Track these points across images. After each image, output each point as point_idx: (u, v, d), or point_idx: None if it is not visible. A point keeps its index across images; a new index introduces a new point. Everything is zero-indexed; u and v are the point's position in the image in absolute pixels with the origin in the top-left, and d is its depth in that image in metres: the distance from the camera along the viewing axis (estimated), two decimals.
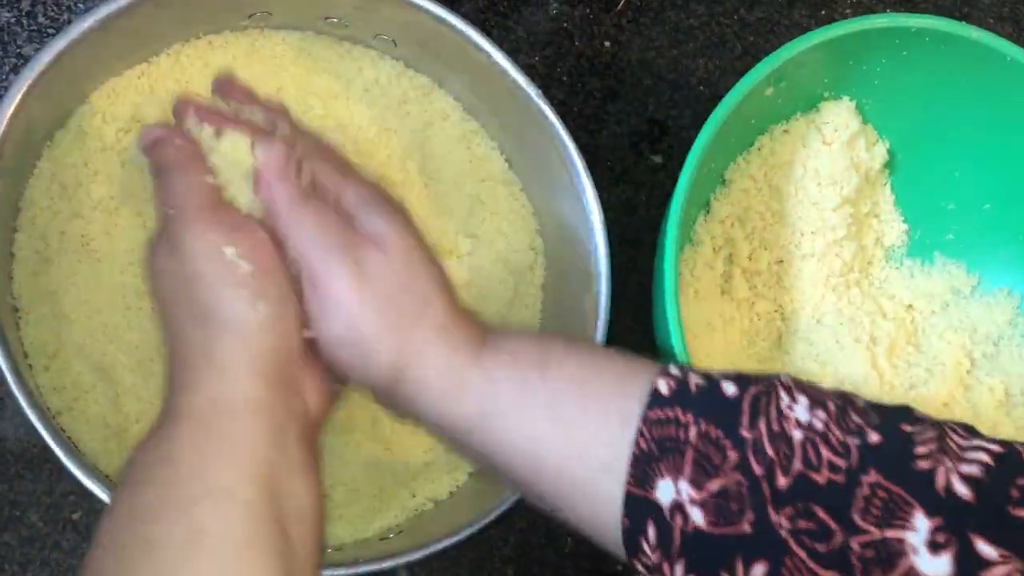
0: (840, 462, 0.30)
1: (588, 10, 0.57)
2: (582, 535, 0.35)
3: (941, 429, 0.31)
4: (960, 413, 0.52)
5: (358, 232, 0.36)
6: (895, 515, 0.29)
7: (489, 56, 0.46)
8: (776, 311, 0.53)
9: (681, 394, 0.32)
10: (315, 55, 0.48)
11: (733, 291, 0.52)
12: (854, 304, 0.54)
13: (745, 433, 0.31)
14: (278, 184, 0.36)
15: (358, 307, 0.35)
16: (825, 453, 0.30)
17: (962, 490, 0.29)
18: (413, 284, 0.36)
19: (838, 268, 0.53)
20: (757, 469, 0.30)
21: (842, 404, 0.31)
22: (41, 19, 0.51)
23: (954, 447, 0.30)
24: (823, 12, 0.60)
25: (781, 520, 0.30)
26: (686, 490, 0.31)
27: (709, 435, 0.31)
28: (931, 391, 0.52)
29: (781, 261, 0.53)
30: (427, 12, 0.45)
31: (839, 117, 0.52)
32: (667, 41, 0.58)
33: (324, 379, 0.36)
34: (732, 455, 0.31)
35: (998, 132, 0.52)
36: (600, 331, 0.45)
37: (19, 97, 0.40)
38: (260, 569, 0.30)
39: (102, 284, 0.44)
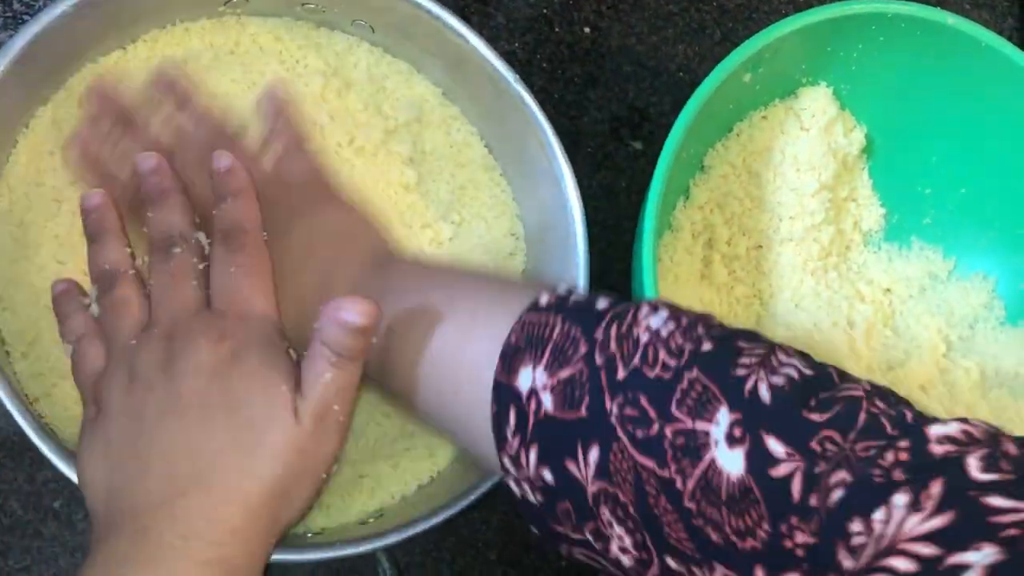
0: (672, 361, 0.32)
1: None
2: (469, 454, 0.37)
3: (771, 349, 0.32)
4: (937, 395, 0.53)
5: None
6: (705, 408, 0.30)
7: (468, 42, 0.47)
8: (755, 295, 0.53)
9: (558, 304, 0.35)
10: (292, 41, 0.48)
11: (712, 276, 0.53)
12: (832, 288, 0.54)
13: (599, 333, 0.33)
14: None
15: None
16: (662, 354, 0.32)
17: (764, 394, 0.30)
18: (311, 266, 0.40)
19: (816, 253, 0.53)
20: (599, 360, 0.33)
21: (694, 320, 0.33)
22: (16, 5, 0.51)
23: (774, 363, 0.31)
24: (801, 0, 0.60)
25: (613, 407, 0.32)
26: (541, 377, 0.33)
27: (569, 332, 0.34)
28: (908, 373, 0.53)
29: (760, 246, 0.53)
30: None
31: (817, 103, 0.52)
32: (647, 27, 0.58)
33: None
34: (582, 348, 0.33)
35: (974, 117, 0.52)
36: None
37: None
38: None
39: (80, 271, 0.44)
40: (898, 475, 0.27)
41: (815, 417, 0.30)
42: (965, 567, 0.25)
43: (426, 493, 0.46)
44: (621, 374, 0.32)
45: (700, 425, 0.30)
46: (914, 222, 0.56)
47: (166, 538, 0.33)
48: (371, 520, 0.44)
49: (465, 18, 0.47)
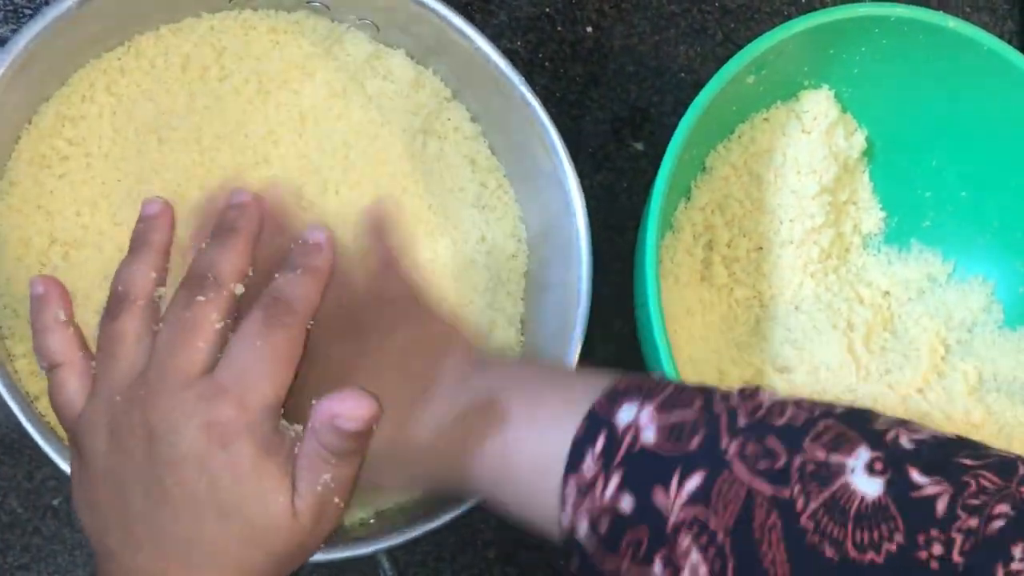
0: (803, 414, 0.31)
1: None
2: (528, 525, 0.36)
3: (904, 421, 0.32)
4: (934, 398, 0.53)
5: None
6: (841, 446, 0.30)
7: (471, 41, 0.46)
8: (754, 297, 0.54)
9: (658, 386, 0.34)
10: (299, 38, 0.48)
11: (712, 277, 0.53)
12: (831, 291, 0.54)
13: (716, 394, 0.33)
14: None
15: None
16: (790, 410, 0.31)
17: (906, 444, 0.30)
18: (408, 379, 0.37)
19: (816, 255, 0.53)
20: (718, 409, 0.32)
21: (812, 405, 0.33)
22: (18, 0, 0.51)
23: (912, 426, 0.31)
24: (803, 0, 0.60)
25: (731, 446, 0.31)
26: (647, 413, 0.32)
27: (684, 389, 0.33)
28: (906, 376, 0.53)
29: (760, 248, 0.53)
30: None
31: (818, 106, 0.52)
32: (649, 27, 0.58)
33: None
34: (698, 402, 0.32)
35: (975, 121, 0.53)
36: (581, 318, 0.46)
37: None
38: None
39: (80, 269, 0.44)
40: None
41: (968, 462, 0.29)
42: None
43: (424, 496, 0.46)
44: (743, 422, 0.31)
45: (836, 458, 0.30)
46: (914, 225, 0.56)
47: None
48: (372, 521, 0.44)
49: (468, 16, 0.46)
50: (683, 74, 0.58)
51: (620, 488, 0.31)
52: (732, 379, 0.52)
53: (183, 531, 0.33)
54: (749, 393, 0.33)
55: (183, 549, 0.33)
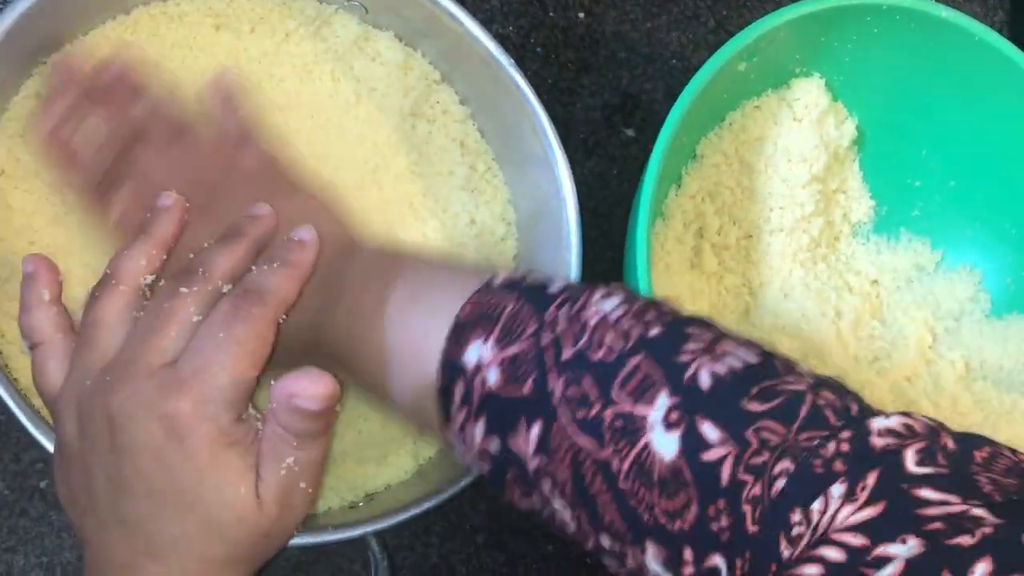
0: (617, 345, 0.32)
1: None
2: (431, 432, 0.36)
3: (718, 337, 0.32)
4: (922, 386, 0.53)
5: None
6: (645, 393, 0.31)
7: (462, 25, 0.46)
8: (744, 285, 0.54)
9: (512, 284, 0.35)
10: (286, 19, 0.48)
11: (702, 265, 0.53)
12: (821, 279, 0.54)
13: (549, 314, 0.33)
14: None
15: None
16: (609, 337, 0.32)
17: (704, 381, 0.31)
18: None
19: (806, 243, 0.54)
20: (546, 339, 0.33)
21: (646, 305, 0.33)
22: None
23: (718, 351, 0.32)
24: None
25: (556, 387, 0.32)
26: (488, 352, 0.33)
27: (520, 311, 0.34)
28: (894, 365, 0.53)
29: (750, 236, 0.53)
30: None
31: (809, 94, 0.52)
32: (641, 13, 0.58)
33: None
34: (531, 327, 0.33)
35: (965, 110, 0.53)
36: None
37: None
38: None
39: (68, 252, 0.43)
40: (838, 466, 0.28)
41: (754, 407, 0.30)
42: (888, 559, 0.25)
43: (416, 478, 0.46)
44: (567, 355, 0.32)
45: (639, 409, 0.31)
46: (903, 214, 0.56)
47: None
48: (361, 504, 0.44)
49: (459, 1, 0.46)
50: (675, 61, 0.58)
51: (486, 434, 0.33)
52: None
53: (144, 521, 0.33)
54: (579, 307, 0.33)
55: (145, 539, 0.33)
